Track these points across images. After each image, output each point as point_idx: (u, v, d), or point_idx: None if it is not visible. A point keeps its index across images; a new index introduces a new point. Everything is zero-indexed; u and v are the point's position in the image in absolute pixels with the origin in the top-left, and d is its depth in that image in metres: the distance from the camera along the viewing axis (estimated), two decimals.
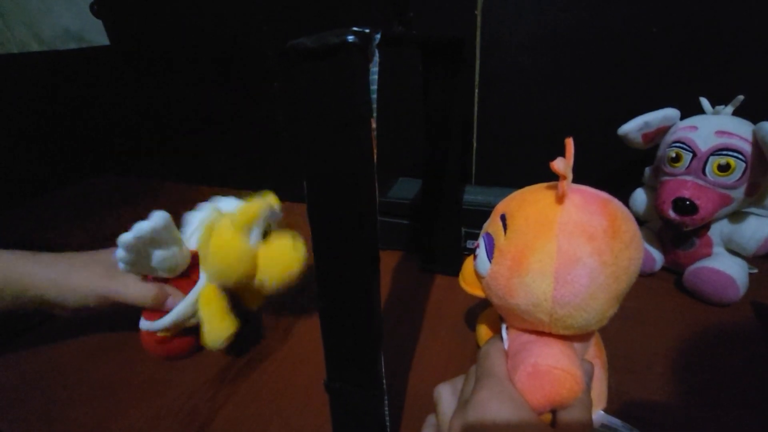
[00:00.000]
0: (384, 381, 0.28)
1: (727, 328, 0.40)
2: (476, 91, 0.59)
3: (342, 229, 0.24)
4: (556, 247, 0.20)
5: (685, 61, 0.49)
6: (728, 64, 0.48)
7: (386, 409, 0.29)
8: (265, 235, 0.37)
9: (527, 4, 0.52)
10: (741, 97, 0.41)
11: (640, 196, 0.49)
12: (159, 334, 0.38)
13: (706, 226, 0.43)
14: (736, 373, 0.35)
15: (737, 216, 0.42)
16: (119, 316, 0.47)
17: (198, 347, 0.39)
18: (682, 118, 0.44)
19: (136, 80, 0.83)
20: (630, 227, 0.21)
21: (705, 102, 0.44)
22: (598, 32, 0.51)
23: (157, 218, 0.34)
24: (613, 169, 0.57)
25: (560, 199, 0.21)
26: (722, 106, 0.43)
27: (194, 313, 0.37)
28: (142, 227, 0.33)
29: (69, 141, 0.91)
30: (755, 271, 0.45)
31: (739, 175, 0.39)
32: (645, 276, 0.48)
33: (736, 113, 0.42)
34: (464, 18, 0.55)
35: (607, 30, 0.50)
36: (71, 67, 0.87)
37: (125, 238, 0.33)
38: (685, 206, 0.40)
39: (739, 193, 0.40)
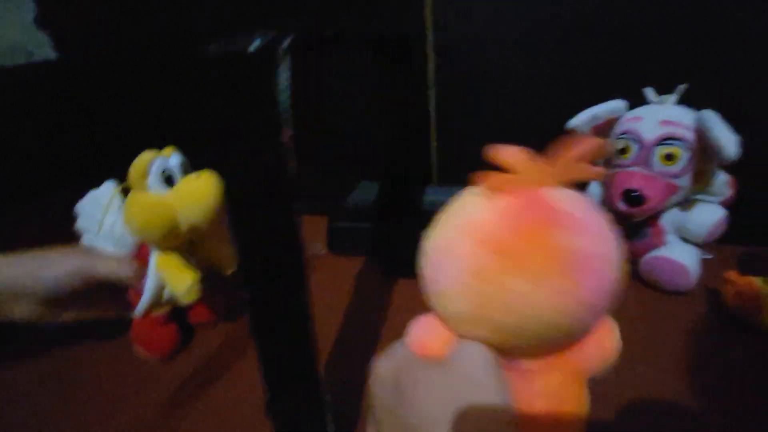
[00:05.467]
0: (327, 396, 0.27)
1: (683, 317, 0.40)
2: (433, 90, 0.58)
3: (264, 242, 0.23)
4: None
5: (633, 53, 0.49)
6: (673, 53, 0.48)
7: (332, 424, 0.28)
8: (173, 183, 0.37)
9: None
10: (684, 86, 0.42)
11: (595, 191, 0.49)
12: (151, 313, 0.38)
13: (656, 216, 0.43)
14: (695, 361, 0.35)
15: (687, 204, 0.43)
16: (67, 340, 0.45)
17: (182, 342, 0.42)
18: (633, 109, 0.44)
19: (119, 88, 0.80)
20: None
21: (649, 92, 0.44)
22: (549, 28, 0.51)
23: (106, 185, 0.40)
24: None
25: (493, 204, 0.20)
26: (667, 96, 0.43)
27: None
28: (92, 193, 0.40)
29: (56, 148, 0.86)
30: (710, 257, 0.45)
31: (684, 163, 0.39)
32: None
33: (682, 103, 0.42)
34: (413, 16, 0.54)
35: (558, 27, 0.50)
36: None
37: (79, 205, 0.40)
38: (633, 197, 0.40)
39: (685, 182, 0.40)
